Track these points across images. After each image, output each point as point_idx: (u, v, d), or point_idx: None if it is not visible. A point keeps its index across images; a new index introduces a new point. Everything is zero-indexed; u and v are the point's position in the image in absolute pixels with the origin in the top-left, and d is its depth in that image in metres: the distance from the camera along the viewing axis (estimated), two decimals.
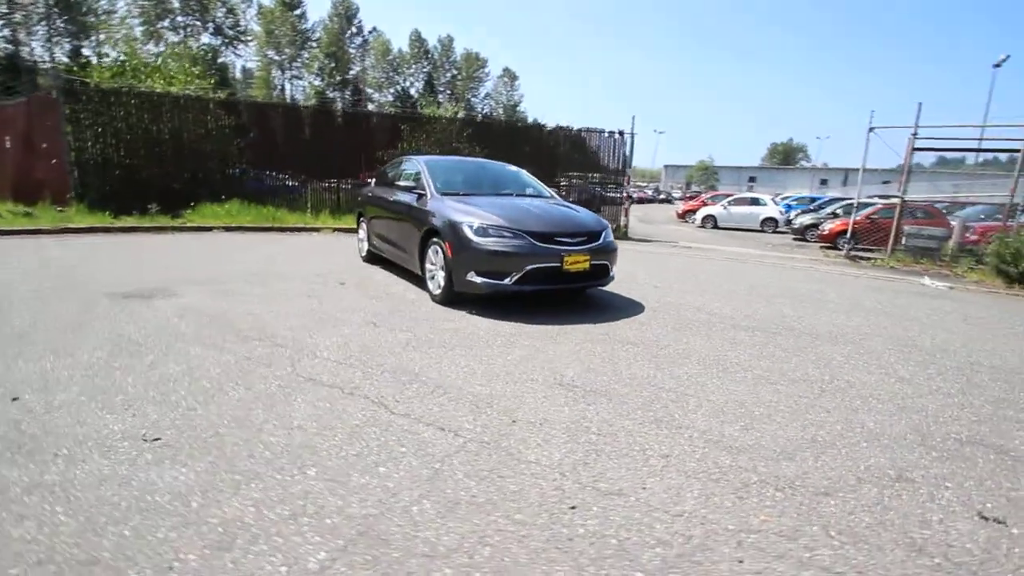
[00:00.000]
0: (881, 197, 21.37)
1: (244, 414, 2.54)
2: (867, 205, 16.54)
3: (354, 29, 64.98)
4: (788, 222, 19.22)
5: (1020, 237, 7.28)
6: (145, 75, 12.89)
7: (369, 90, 69.17)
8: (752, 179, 67.19)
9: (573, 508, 1.89)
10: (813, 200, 22.74)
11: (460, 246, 4.59)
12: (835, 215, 16.71)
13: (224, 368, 3.13)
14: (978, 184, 11.75)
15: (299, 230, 11.52)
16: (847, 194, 29.37)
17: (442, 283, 4.93)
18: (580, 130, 14.44)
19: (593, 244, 4.79)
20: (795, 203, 22.93)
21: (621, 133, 14.39)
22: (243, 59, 49.22)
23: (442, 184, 5.48)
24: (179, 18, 42.86)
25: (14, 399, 2.60)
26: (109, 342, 3.51)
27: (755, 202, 20.83)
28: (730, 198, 21.86)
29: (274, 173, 13.39)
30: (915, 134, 10.84)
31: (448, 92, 76.91)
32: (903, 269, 10.13)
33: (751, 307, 5.53)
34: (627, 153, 14.44)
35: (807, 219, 17.52)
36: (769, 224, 19.77)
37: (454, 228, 4.68)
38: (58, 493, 1.86)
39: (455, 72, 78.26)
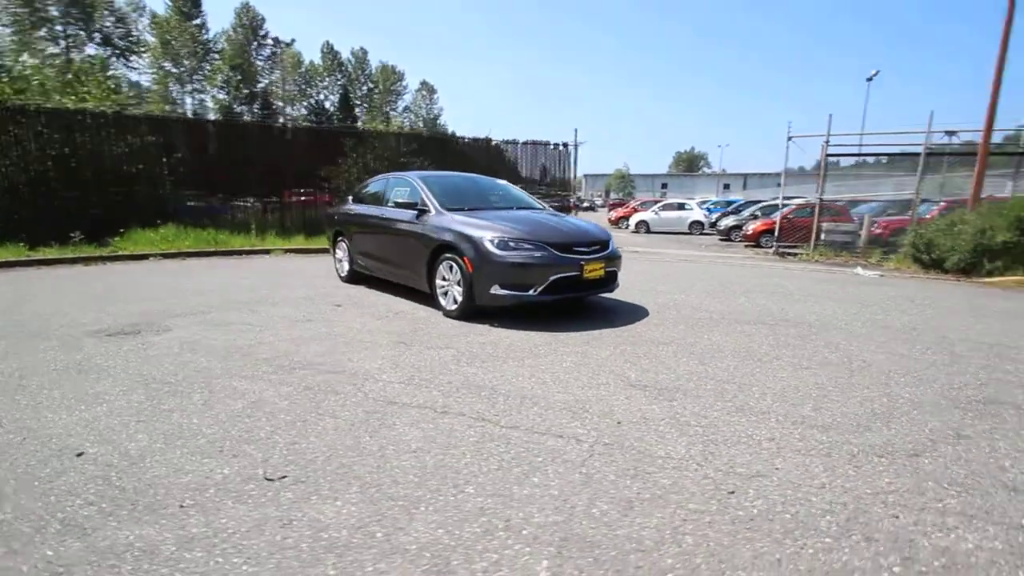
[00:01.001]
0: (787, 199, 23.73)
1: (353, 442, 2.45)
2: (783, 206, 18.33)
3: (267, 40, 62.07)
4: (713, 224, 20.80)
5: (931, 230, 8.47)
6: (56, 91, 11.55)
7: (280, 104, 66.16)
8: (664, 185, 71.66)
9: (732, 493, 2.04)
10: (730, 203, 24.73)
11: (482, 260, 4.63)
12: (755, 216, 18.31)
13: (290, 399, 2.97)
14: (881, 183, 13.45)
15: (247, 253, 10.85)
16: (748, 197, 32.38)
17: (458, 298, 4.93)
18: (526, 142, 14.81)
19: (605, 252, 5.01)
20: (714, 207, 24.82)
21: (565, 145, 14.95)
22: (137, 71, 45.07)
23: (442, 200, 5.48)
24: (58, 27, 38.55)
25: (78, 454, 2.33)
26: (136, 384, 3.21)
27: (682, 207, 22.34)
28: (659, 204, 23.27)
29: (210, 194, 12.49)
30: (827, 141, 12.24)
31: (365, 106, 75.40)
32: (827, 261, 11.35)
33: (735, 303, 6.02)
34: (572, 163, 15.00)
35: (731, 221, 19.06)
36: (696, 227, 21.29)
37: (473, 243, 4.71)
38: (222, 545, 1.73)
39: (371, 85, 76.96)
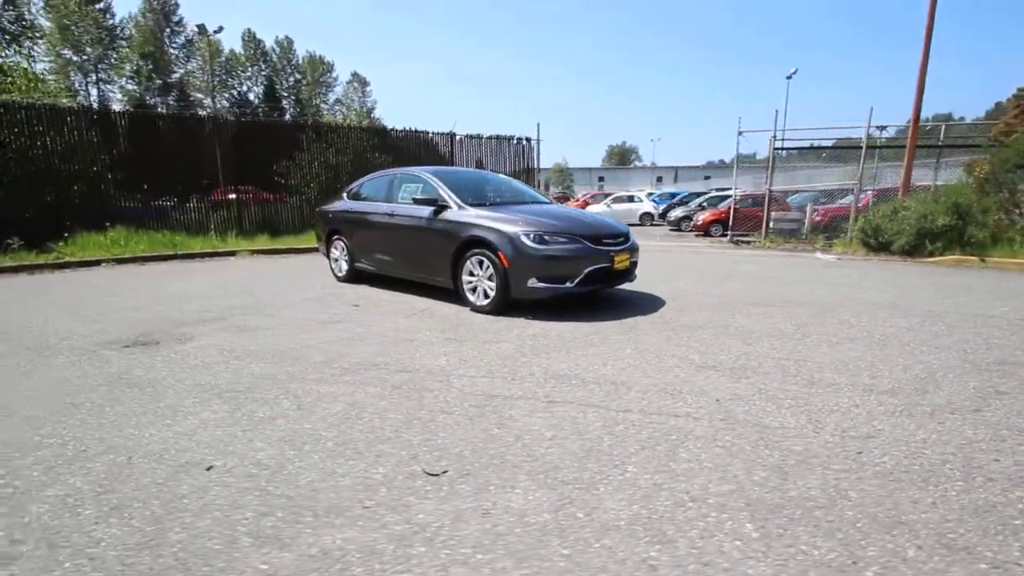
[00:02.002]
0: (720, 190, 25.25)
1: (486, 435, 2.49)
2: (726, 198, 19.50)
3: (181, 27, 57.65)
4: (662, 215, 21.78)
5: (878, 216, 9.40)
6: None
7: (199, 95, 61.77)
8: (601, 179, 73.63)
9: (860, 453, 2.29)
10: (674, 195, 25.96)
11: (518, 254, 4.70)
12: (703, 207, 19.38)
13: (388, 399, 2.94)
14: (815, 174, 14.69)
15: (211, 256, 10.22)
16: (679, 189, 34.19)
17: (490, 293, 4.98)
18: (490, 137, 14.84)
19: (628, 244, 5.23)
20: (659, 198, 25.97)
21: (528, 140, 15.12)
22: (34, 59, 40.37)
23: (462, 196, 5.48)
24: None
25: (208, 468, 2.22)
26: (206, 394, 3.04)
27: (632, 199, 23.22)
28: (611, 197, 24.05)
29: (159, 193, 11.57)
30: (774, 136, 13.20)
31: (293, 97, 71.96)
32: (780, 248, 12.28)
33: (731, 288, 6.45)
34: (535, 158, 15.21)
35: (680, 212, 20.06)
36: (647, 218, 22.22)
37: (509, 237, 4.77)
38: (440, 538, 1.75)
39: (299, 76, 73.54)
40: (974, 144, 11.78)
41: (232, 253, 10.45)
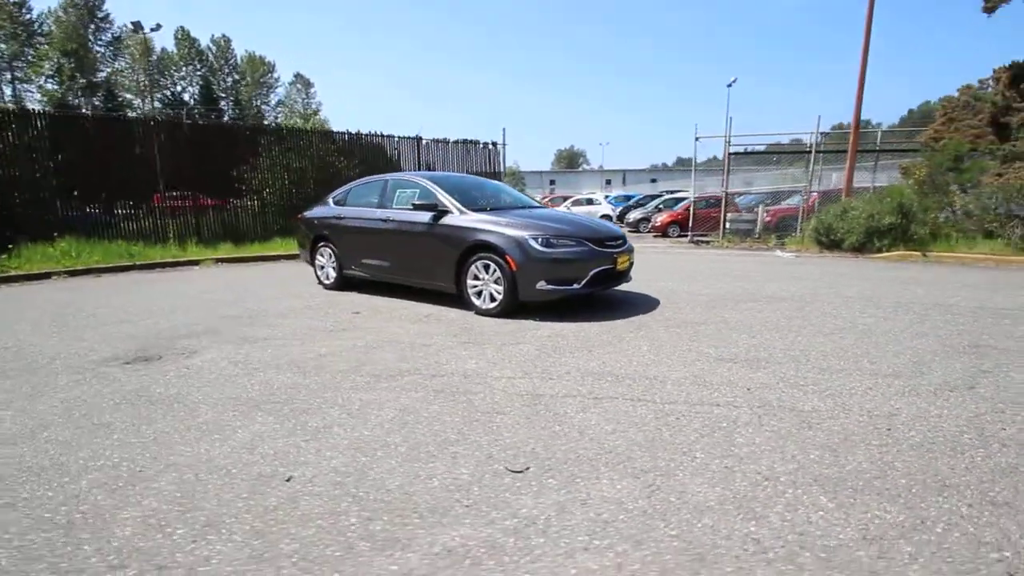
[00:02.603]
0: (671, 192, 26.31)
1: (549, 431, 2.59)
2: (681, 200, 20.33)
3: (107, 24, 54.01)
4: (620, 217, 22.43)
5: (830, 216, 10.15)
6: None
7: (128, 96, 58.05)
8: (552, 182, 74.69)
9: (889, 429, 2.55)
10: (629, 198, 26.78)
11: (527, 257, 4.81)
12: (659, 209, 20.13)
13: (436, 404, 2.98)
14: (758, 177, 15.66)
15: (172, 265, 9.73)
16: (628, 192, 35.35)
17: (497, 296, 5.06)
18: (456, 142, 14.86)
19: (626, 246, 5.44)
20: (615, 201, 26.71)
21: (494, 144, 15.25)
22: None
23: (463, 201, 5.53)
24: None
25: (288, 479, 2.20)
26: (245, 408, 2.98)
27: (591, 202, 23.78)
28: (570, 200, 24.51)
29: (106, 200, 10.86)
30: (728, 141, 13.95)
31: (231, 99, 68.93)
32: (738, 247, 12.99)
33: (714, 286, 6.82)
34: (502, 162, 15.36)
35: (639, 214, 20.75)
36: (606, 220, 22.82)
37: (517, 242, 4.87)
38: (553, 531, 1.83)
39: (237, 77, 70.54)
40: (911, 149, 12.91)
41: (196, 262, 9.98)
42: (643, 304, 5.61)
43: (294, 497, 2.07)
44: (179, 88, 63.18)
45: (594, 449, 2.40)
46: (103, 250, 9.51)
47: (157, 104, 58.66)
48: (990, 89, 10.48)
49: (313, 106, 75.36)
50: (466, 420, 2.75)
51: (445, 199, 5.52)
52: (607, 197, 27.10)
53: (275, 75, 70.84)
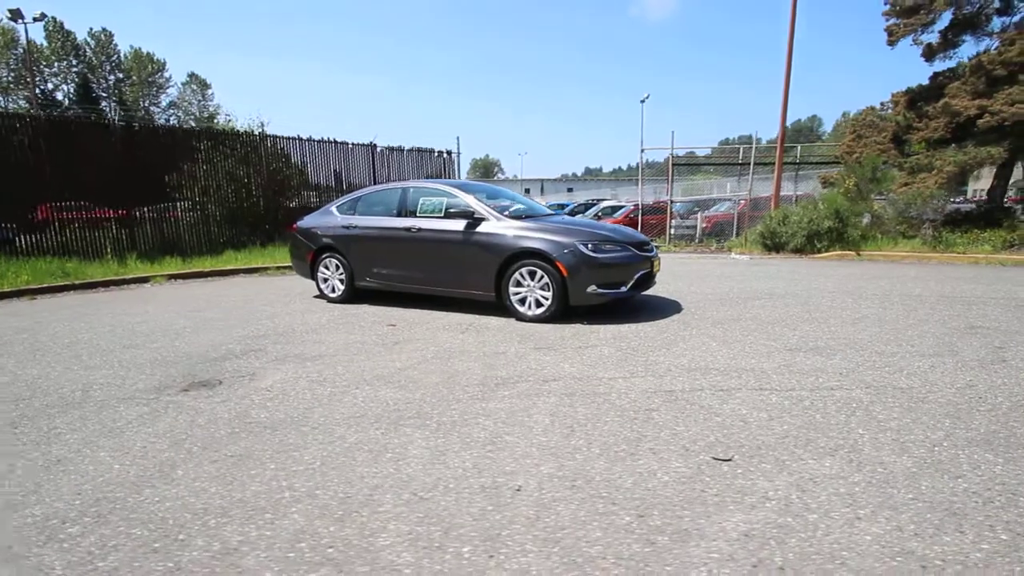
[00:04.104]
0: (596, 200, 27.58)
1: (715, 424, 2.75)
2: (618, 208, 21.38)
3: None
4: None
5: (774, 222, 11.28)
6: None
7: None
8: (570, 189, 75.13)
9: (980, 399, 3.00)
10: (563, 206, 27.65)
11: (579, 263, 4.94)
12: (599, 216, 21.04)
13: (577, 407, 3.04)
14: (690, 186, 17.06)
15: (117, 284, 8.68)
16: (546, 200, 36.81)
17: (543, 302, 5.14)
18: (411, 149, 14.61)
19: (656, 250, 5.75)
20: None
21: (449, 153, 15.19)
22: None
23: (499, 209, 5.56)
24: None
25: (518, 489, 2.18)
26: (388, 424, 2.85)
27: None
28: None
29: (26, 212, 9.43)
30: (672, 153, 15.02)
31: (114, 98, 62.08)
32: (684, 251, 13.98)
33: (711, 286, 7.36)
34: (455, 171, 15.32)
35: None
36: None
37: (567, 248, 4.98)
38: (816, 503, 2.00)
39: (121, 75, 63.76)
40: (826, 162, 14.67)
41: (144, 279, 8.96)
42: (665, 305, 5.95)
43: (545, 504, 2.06)
44: (50, 86, 55.83)
45: (771, 435, 2.60)
46: (32, 268, 8.24)
47: (23, 103, 51.37)
48: (891, 110, 12.26)
49: (211, 108, 69.85)
50: (627, 419, 2.83)
51: (480, 207, 5.52)
52: (547, 205, 27.74)
53: (166, 74, 64.87)
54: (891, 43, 11.81)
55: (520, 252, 5.17)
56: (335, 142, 13.22)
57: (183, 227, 11.42)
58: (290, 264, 10.75)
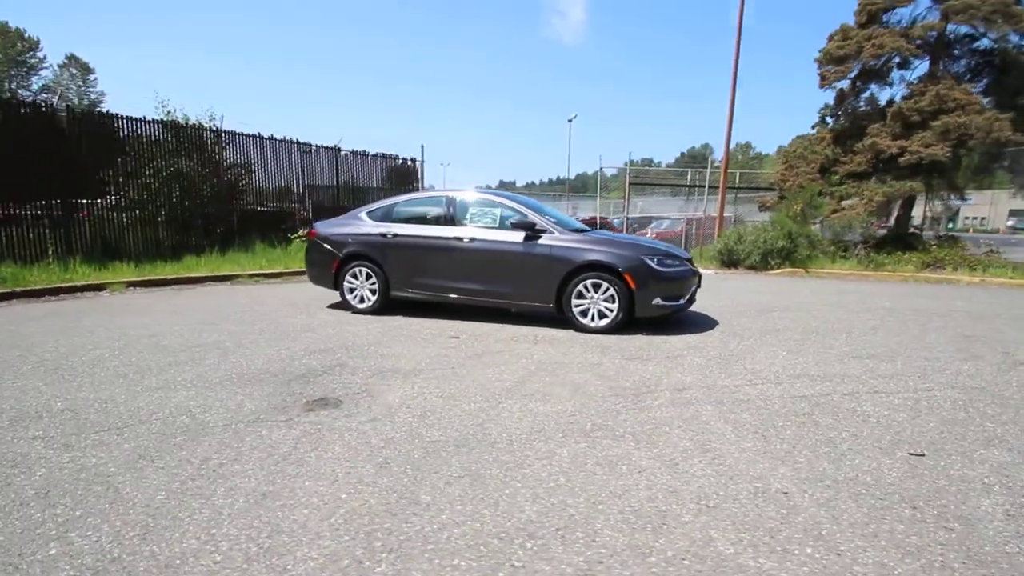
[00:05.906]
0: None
1: (874, 425, 3.06)
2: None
3: None
4: None
5: (731, 240, 12.35)
6: None
7: None
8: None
9: (1007, 367, 3.63)
10: None
11: (648, 276, 5.17)
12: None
13: (735, 415, 3.22)
14: (652, 204, 18.22)
15: (66, 292, 7.56)
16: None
17: (607, 313, 5.29)
18: (375, 155, 14.12)
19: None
20: None
21: (414, 160, 14.90)
22: None
23: (556, 221, 5.65)
24: None
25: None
26: (574, 439, 2.85)
27: None
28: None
29: None
30: (628, 172, 15.92)
31: None
32: None
33: (713, 300, 7.92)
34: (420, 178, 15.05)
35: None
36: None
37: (637, 262, 5.18)
38: (999, 487, 2.34)
39: None
40: (761, 187, 16.31)
41: (100, 287, 7.85)
42: (698, 318, 6.33)
43: (823, 503, 2.20)
44: None
45: (927, 432, 2.96)
46: None
47: None
48: (819, 144, 14.04)
49: (93, 95, 62.01)
50: (797, 423, 3.05)
51: (540, 220, 5.57)
52: None
53: (40, 53, 56.74)
54: (823, 86, 13.60)
55: (585, 264, 5.29)
56: (297, 143, 12.45)
57: (121, 229, 10.11)
58: (262, 272, 10.04)
